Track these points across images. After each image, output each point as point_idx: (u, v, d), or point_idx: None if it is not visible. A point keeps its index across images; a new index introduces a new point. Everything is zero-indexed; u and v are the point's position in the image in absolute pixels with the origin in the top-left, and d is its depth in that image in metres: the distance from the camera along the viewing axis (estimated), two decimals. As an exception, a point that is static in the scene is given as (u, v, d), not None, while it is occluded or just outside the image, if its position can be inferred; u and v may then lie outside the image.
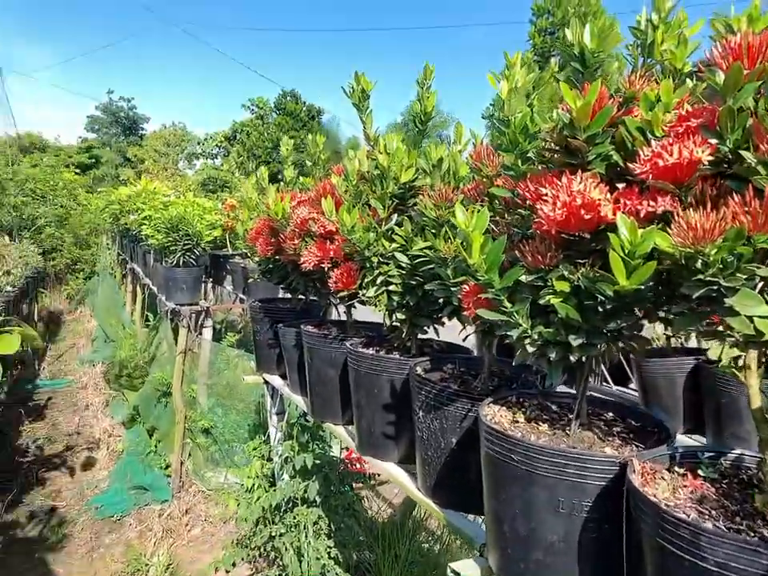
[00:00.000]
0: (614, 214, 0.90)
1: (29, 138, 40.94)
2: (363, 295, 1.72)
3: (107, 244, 12.47)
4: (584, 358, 1.10)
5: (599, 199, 0.93)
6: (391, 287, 1.67)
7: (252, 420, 4.59)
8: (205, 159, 44.54)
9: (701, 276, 0.78)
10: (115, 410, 6.05)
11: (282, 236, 1.97)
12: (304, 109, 36.89)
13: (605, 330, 0.98)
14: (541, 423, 1.17)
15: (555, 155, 1.05)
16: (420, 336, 1.82)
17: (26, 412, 6.56)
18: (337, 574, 2.32)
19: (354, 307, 1.99)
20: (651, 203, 0.88)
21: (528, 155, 1.15)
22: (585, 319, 0.98)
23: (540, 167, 1.11)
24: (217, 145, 42.00)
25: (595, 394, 1.42)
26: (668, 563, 0.81)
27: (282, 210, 1.97)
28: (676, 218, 0.79)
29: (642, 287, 0.88)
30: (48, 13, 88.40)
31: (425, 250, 1.46)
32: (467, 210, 1.11)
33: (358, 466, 3.44)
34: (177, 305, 4.49)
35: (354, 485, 3.40)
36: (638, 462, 0.94)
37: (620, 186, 0.97)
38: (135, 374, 6.09)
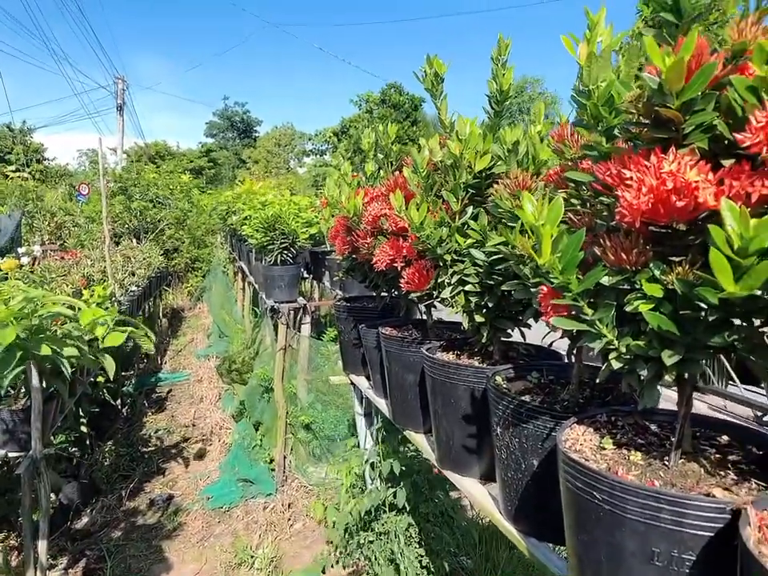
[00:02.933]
0: (717, 200, 0.71)
1: (155, 146, 44.26)
2: (438, 296, 1.59)
3: (220, 243, 13.13)
4: (686, 375, 0.90)
5: (697, 181, 0.74)
6: (468, 287, 1.52)
7: (351, 416, 4.59)
8: (314, 156, 45.93)
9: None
10: (226, 403, 6.32)
11: (355, 234, 1.88)
12: (407, 100, 36.88)
13: (709, 344, 0.79)
14: (634, 450, 0.98)
15: (643, 129, 0.86)
16: (504, 339, 1.66)
17: (149, 404, 7.03)
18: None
19: (434, 307, 1.86)
20: (767, 184, 0.68)
21: (614, 132, 0.96)
22: (682, 331, 0.79)
23: (626, 145, 0.92)
24: (326, 140, 43.06)
25: (706, 411, 1.20)
26: None
27: (354, 206, 1.87)
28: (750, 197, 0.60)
29: (759, 293, 0.68)
30: (164, 28, 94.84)
31: (499, 246, 1.30)
32: (540, 200, 0.95)
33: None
34: (276, 302, 4.58)
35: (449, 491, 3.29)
36: (755, 512, 0.74)
37: (727, 163, 0.77)
38: (243, 368, 6.32)
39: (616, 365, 0.90)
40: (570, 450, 0.96)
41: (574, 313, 0.95)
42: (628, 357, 0.89)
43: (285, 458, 4.63)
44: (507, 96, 1.52)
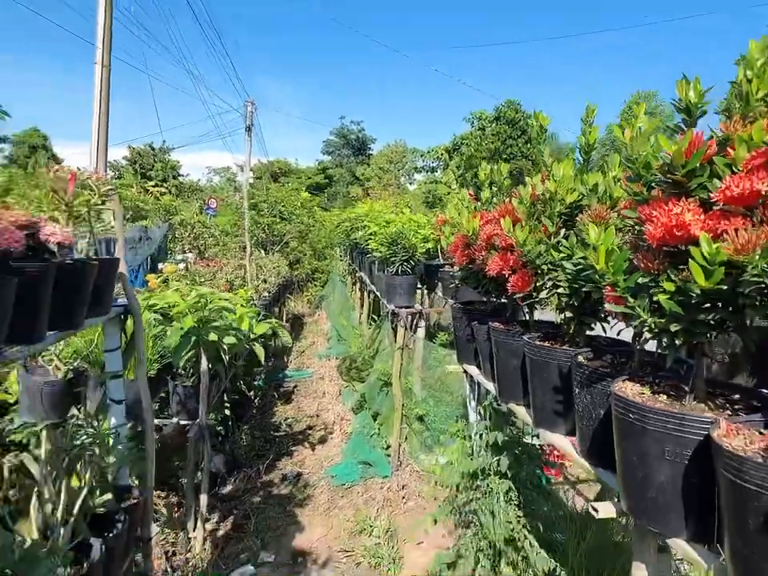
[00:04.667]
0: (700, 232, 1.20)
1: (277, 163, 47.14)
2: (537, 297, 2.11)
3: (339, 256, 14.11)
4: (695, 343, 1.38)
5: (690, 220, 1.23)
6: (560, 290, 2.03)
7: (459, 412, 5.11)
8: (425, 173, 46.86)
9: (748, 277, 1.06)
10: (346, 398, 7.05)
11: (473, 248, 2.43)
12: (523, 117, 36.88)
13: (701, 320, 1.27)
14: (664, 396, 1.47)
15: (665, 186, 1.35)
16: (588, 333, 2.14)
17: (278, 396, 7.94)
18: (525, 536, 2.70)
19: (536, 308, 2.37)
20: (725, 222, 1.17)
21: (651, 185, 1.46)
22: (685, 311, 1.28)
23: (659, 194, 1.41)
24: (437, 157, 43.93)
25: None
26: (728, 490, 1.10)
27: (473, 227, 2.43)
28: (725, 234, 1.09)
29: (722, 287, 1.17)
30: (288, 52, 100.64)
31: (580, 259, 1.81)
32: (601, 227, 1.47)
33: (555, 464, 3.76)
34: (396, 307, 5.21)
35: (551, 482, 3.73)
36: (724, 422, 1.21)
37: (716, 209, 1.26)
38: (362, 366, 7.03)
39: (648, 335, 1.40)
40: (618, 392, 1.46)
41: (622, 302, 1.45)
42: (656, 330, 1.38)
43: (400, 445, 5.23)
44: (593, 148, 2.02)
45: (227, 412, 6.07)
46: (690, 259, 1.17)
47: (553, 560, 2.62)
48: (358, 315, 9.92)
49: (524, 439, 3.31)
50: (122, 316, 2.93)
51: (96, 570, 2.27)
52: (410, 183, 48.87)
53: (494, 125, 37.35)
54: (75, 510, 2.34)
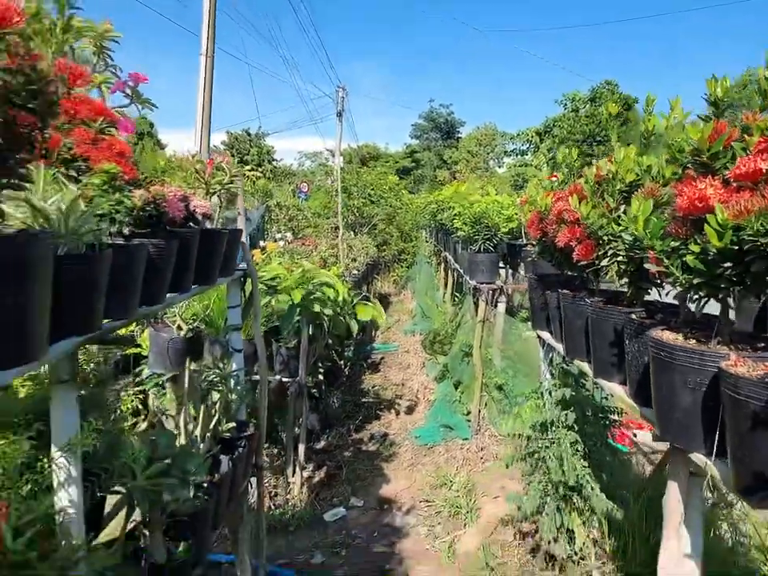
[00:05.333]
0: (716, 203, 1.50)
1: (365, 148, 47.88)
2: (598, 264, 2.42)
3: (425, 238, 14.50)
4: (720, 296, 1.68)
5: (710, 194, 1.53)
6: (618, 258, 2.34)
7: (536, 386, 5.41)
8: (515, 156, 46.08)
9: (746, 236, 1.37)
10: (429, 369, 7.49)
11: (545, 222, 2.76)
12: (620, 99, 35.49)
13: (719, 275, 1.57)
14: (694, 341, 1.77)
15: (695, 166, 1.65)
16: (647, 299, 2.43)
17: (366, 367, 8.50)
18: (588, 482, 3.02)
19: (598, 276, 2.67)
20: (737, 196, 1.46)
21: (686, 165, 1.75)
22: (707, 269, 1.58)
23: (693, 173, 1.71)
24: (528, 140, 43.09)
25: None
26: (728, 404, 1.42)
27: (545, 204, 2.76)
28: (729, 202, 1.39)
29: (732, 246, 1.47)
30: (379, 37, 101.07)
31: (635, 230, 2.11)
32: (642, 200, 1.78)
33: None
34: (478, 283, 5.56)
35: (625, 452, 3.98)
36: (734, 355, 1.52)
37: (735, 185, 1.55)
38: (445, 340, 7.43)
39: (680, 290, 1.70)
40: (655, 337, 1.77)
41: (659, 262, 1.76)
42: (686, 285, 1.68)
43: (479, 411, 5.61)
44: (652, 134, 2.29)
45: (321, 377, 6.65)
46: (706, 224, 1.48)
47: (613, 503, 2.92)
48: (441, 294, 10.30)
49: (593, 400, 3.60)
50: (242, 279, 3.47)
51: (225, 480, 2.82)
52: (499, 167, 48.26)
53: (587, 106, 36.18)
54: (208, 433, 2.90)
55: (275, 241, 9.08)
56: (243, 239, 3.42)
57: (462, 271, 6.50)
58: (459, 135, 55.40)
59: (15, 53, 1.20)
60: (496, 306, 5.54)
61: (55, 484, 1.71)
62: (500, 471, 4.96)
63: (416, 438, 5.77)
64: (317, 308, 4.91)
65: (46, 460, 1.74)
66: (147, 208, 2.07)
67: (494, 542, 3.87)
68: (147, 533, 2.12)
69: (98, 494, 1.88)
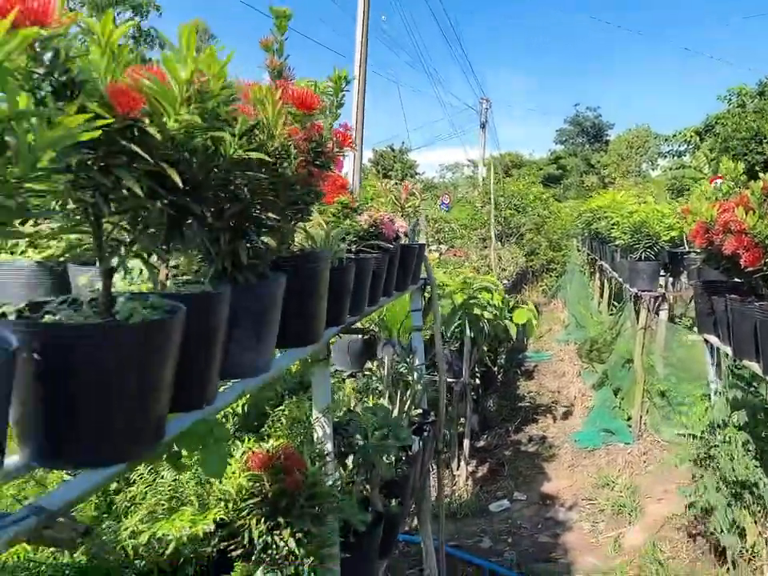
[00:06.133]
0: None
1: (508, 156, 47.57)
2: (766, 270, 2.60)
3: (577, 246, 14.35)
4: None
5: None
6: (787, 264, 2.51)
7: (702, 393, 5.38)
8: (670, 158, 43.18)
9: None
10: (586, 377, 7.59)
11: (711, 233, 2.96)
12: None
13: None
14: None
15: None
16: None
17: (520, 374, 8.75)
18: (761, 479, 3.14)
19: (766, 281, 2.83)
20: None
21: None
22: None
23: None
24: (685, 140, 40.19)
25: None
26: None
27: (711, 215, 2.96)
28: None
29: None
30: (518, 43, 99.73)
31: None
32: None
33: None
34: (638, 290, 5.65)
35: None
36: None
37: None
38: (602, 349, 7.50)
39: None
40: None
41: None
42: None
43: (641, 417, 5.68)
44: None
45: (477, 381, 7.05)
46: None
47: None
48: (596, 302, 10.25)
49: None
50: (423, 286, 4.00)
51: (416, 457, 3.34)
52: (653, 170, 45.46)
53: (756, 101, 33.01)
54: (403, 414, 3.44)
55: (429, 252, 9.68)
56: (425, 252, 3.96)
57: (620, 279, 6.58)
58: (608, 138, 53.06)
59: (309, 126, 1.77)
60: (657, 313, 5.59)
61: (315, 437, 2.30)
62: (663, 475, 5.03)
63: (575, 441, 5.96)
64: (477, 311, 5.34)
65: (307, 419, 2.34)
66: (371, 230, 2.64)
67: (661, 538, 4.02)
68: (369, 488, 2.67)
69: (341, 448, 2.45)
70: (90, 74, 0.91)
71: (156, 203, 0.99)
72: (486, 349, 7.53)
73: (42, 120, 0.63)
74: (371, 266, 2.48)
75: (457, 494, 5.39)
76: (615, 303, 8.29)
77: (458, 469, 5.67)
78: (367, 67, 13.54)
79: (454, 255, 10.61)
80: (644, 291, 5.62)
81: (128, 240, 1.02)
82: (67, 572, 1.43)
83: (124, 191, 0.97)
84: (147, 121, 0.97)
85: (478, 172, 33.50)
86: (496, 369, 8.54)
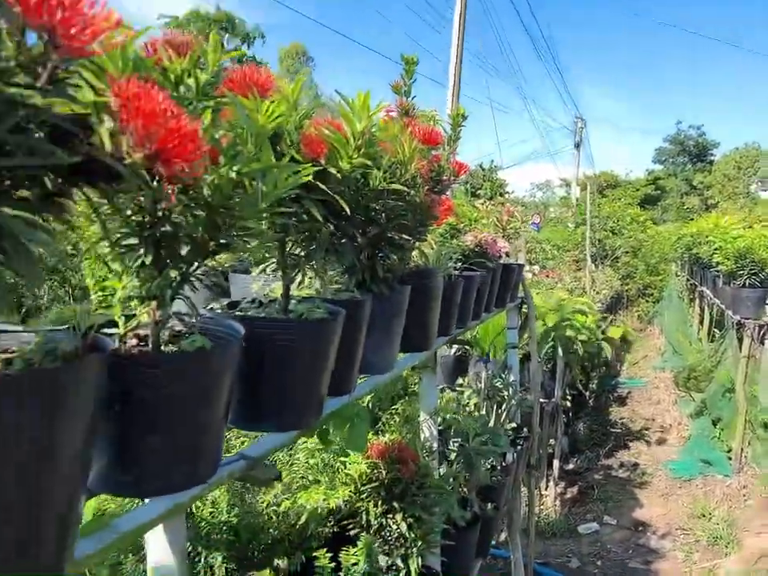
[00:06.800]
0: None
1: (603, 176, 46.23)
2: None
3: (675, 272, 13.82)
4: None
5: None
6: None
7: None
8: (787, 178, 40.49)
9: None
10: (682, 406, 7.36)
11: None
12: None
13: None
14: None
15: None
16: None
17: (612, 399, 8.59)
18: None
19: None
20: None
21: None
22: None
23: None
24: (808, 158, 37.54)
25: None
26: None
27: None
28: None
29: None
30: (614, 64, 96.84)
31: None
32: None
33: None
34: (742, 318, 5.49)
35: None
36: None
37: None
38: (701, 377, 7.24)
39: None
40: None
41: None
42: None
43: (742, 450, 5.48)
44: None
45: (568, 404, 7.02)
46: None
47: None
48: (696, 329, 9.86)
49: None
50: (520, 305, 4.15)
51: (510, 467, 3.48)
52: (764, 190, 42.70)
53: None
54: (499, 427, 3.59)
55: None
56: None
57: (723, 306, 6.38)
58: (712, 158, 50.36)
59: (431, 158, 2.00)
60: (762, 342, 5.39)
61: (422, 436, 2.52)
62: (763, 509, 4.84)
63: (670, 470, 5.83)
64: (570, 332, 5.38)
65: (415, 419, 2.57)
66: (476, 249, 2.85)
67: (758, 570, 3.90)
68: (467, 489, 2.86)
69: (444, 449, 2.66)
70: (283, 128, 1.20)
71: (329, 226, 1.26)
72: (578, 372, 7.49)
73: (284, 170, 0.90)
74: (477, 282, 2.69)
75: (545, 514, 5.42)
76: (716, 331, 7.98)
77: (546, 489, 5.70)
78: (460, 93, 13.81)
79: (547, 276, 10.57)
80: (748, 319, 5.45)
81: (303, 255, 1.30)
82: (223, 528, 1.73)
83: (304, 216, 1.25)
84: (323, 161, 1.25)
85: (572, 192, 32.86)
86: (588, 393, 8.44)
